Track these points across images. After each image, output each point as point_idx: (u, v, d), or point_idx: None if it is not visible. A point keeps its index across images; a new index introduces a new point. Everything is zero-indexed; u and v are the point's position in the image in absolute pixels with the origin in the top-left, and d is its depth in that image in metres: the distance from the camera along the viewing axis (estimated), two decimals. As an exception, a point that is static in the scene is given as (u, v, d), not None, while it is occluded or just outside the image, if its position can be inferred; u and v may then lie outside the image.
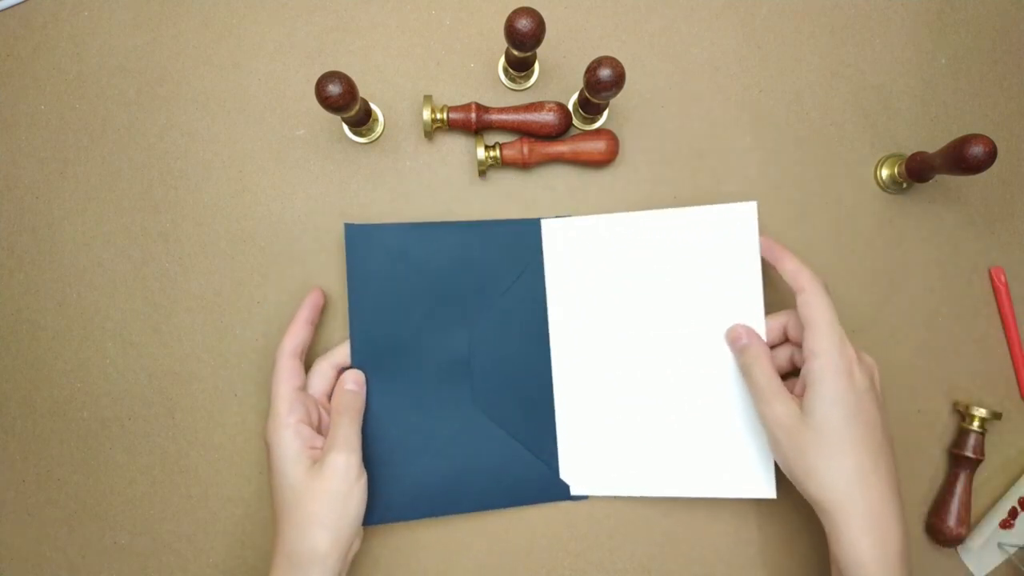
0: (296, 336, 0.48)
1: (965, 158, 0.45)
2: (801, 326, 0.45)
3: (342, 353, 0.50)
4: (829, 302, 0.44)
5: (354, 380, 0.49)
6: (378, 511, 0.49)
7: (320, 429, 0.48)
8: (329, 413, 0.48)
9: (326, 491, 0.43)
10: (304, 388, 0.48)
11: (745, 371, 0.47)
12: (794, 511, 0.53)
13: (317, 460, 0.45)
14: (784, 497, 0.54)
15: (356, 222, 0.50)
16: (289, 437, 0.45)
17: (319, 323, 0.51)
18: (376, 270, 0.49)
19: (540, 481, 0.51)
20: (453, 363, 0.50)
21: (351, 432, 0.46)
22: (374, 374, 0.50)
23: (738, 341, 0.48)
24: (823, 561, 0.53)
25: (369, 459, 0.48)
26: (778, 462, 0.45)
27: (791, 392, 0.45)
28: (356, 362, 0.49)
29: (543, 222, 0.51)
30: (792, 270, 0.46)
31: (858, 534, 0.41)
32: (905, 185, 0.53)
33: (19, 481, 0.52)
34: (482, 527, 0.52)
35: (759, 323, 0.48)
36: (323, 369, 0.49)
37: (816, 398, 0.42)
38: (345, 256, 0.49)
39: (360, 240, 0.49)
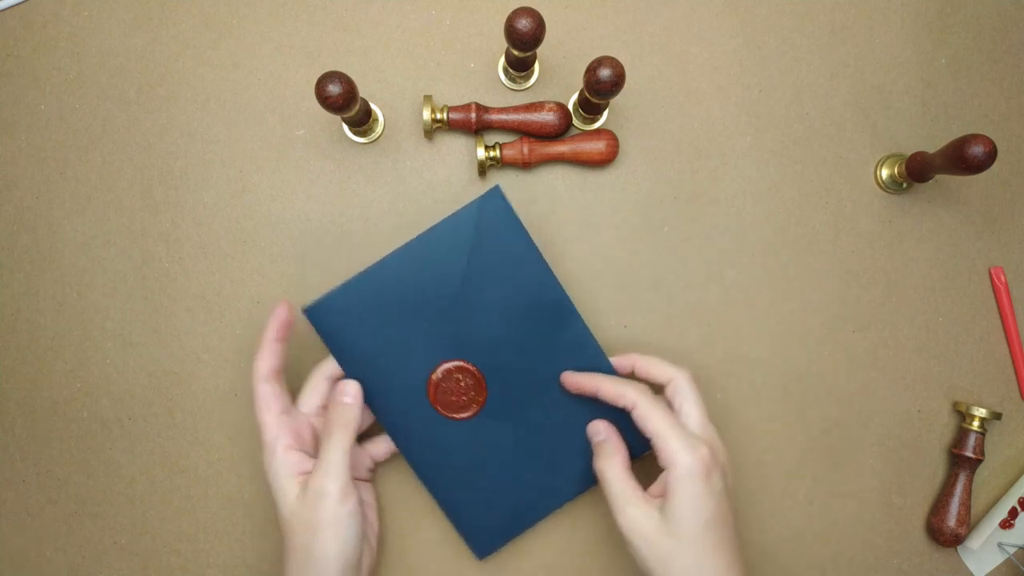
0: (266, 359, 0.45)
1: (965, 158, 0.45)
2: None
3: (335, 363, 0.47)
4: (664, 410, 0.43)
5: (349, 392, 0.46)
6: (486, 539, 0.50)
7: (314, 450, 0.46)
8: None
9: (314, 521, 0.42)
10: (288, 411, 0.46)
11: (599, 475, 0.45)
12: (794, 509, 0.53)
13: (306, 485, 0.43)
14: (786, 496, 0.54)
15: (311, 301, 0.46)
16: (277, 465, 0.44)
17: (292, 337, 0.47)
18: (354, 335, 0.46)
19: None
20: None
21: (337, 454, 0.43)
22: (412, 431, 0.48)
23: (596, 436, 0.47)
24: (824, 562, 0.53)
25: (454, 494, 0.49)
26: (638, 566, 0.43)
27: (648, 493, 0.43)
28: (385, 422, 0.48)
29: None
30: (613, 395, 0.45)
31: None
32: (905, 185, 0.53)
33: (19, 481, 0.52)
34: (482, 527, 0.52)
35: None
36: (316, 383, 0.47)
37: (677, 506, 0.41)
38: (320, 338, 0.46)
39: (324, 317, 0.46)
